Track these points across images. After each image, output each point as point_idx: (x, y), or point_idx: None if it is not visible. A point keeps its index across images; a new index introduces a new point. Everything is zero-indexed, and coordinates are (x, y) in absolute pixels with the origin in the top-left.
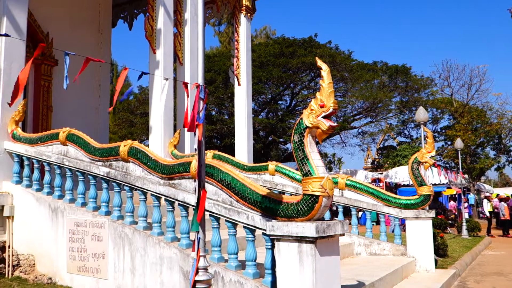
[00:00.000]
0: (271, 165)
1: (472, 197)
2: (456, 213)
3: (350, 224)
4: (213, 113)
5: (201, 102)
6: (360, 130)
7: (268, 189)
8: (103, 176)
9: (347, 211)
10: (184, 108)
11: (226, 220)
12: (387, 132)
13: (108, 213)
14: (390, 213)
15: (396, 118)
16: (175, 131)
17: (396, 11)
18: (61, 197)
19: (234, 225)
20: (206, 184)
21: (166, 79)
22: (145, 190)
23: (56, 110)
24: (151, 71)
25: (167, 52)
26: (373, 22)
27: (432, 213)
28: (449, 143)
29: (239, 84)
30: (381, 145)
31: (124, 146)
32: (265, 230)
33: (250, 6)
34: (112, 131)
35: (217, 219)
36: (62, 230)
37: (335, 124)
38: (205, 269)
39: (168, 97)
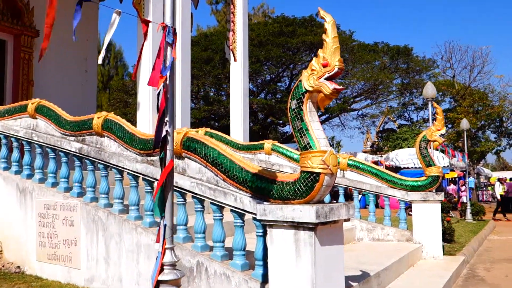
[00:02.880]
0: (267, 143)
1: (471, 180)
2: (455, 196)
3: None
4: (211, 94)
5: (169, 49)
6: (360, 113)
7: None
8: (75, 152)
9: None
10: (173, 82)
11: (211, 203)
12: (387, 115)
13: (80, 194)
14: (395, 195)
15: (396, 100)
16: None
17: None
18: (30, 176)
19: (220, 208)
20: (189, 161)
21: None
22: (120, 168)
23: (38, 85)
24: (139, 43)
25: (156, 21)
26: (375, 1)
27: (441, 196)
28: (449, 126)
29: (235, 60)
30: (381, 128)
31: (98, 118)
32: (256, 214)
33: None
34: (106, 111)
35: (201, 202)
36: (31, 213)
37: (340, 87)
38: (173, 265)
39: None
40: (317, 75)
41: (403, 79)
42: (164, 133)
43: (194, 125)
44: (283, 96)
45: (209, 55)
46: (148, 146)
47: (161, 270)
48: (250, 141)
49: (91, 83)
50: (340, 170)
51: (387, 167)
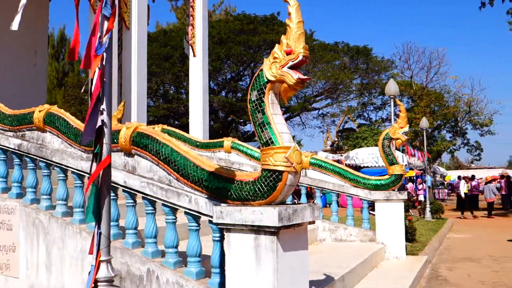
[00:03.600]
0: (227, 141)
1: (429, 179)
2: (414, 195)
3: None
4: (171, 92)
5: (105, 23)
6: (320, 112)
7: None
8: (14, 149)
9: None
10: (129, 77)
11: (163, 204)
12: (347, 114)
13: (20, 195)
14: (359, 195)
15: (356, 100)
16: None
17: None
18: None
19: (174, 210)
20: (139, 159)
21: None
22: (64, 167)
23: None
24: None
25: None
26: (335, 1)
27: (404, 195)
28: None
29: (194, 55)
30: (341, 127)
31: (39, 112)
32: (212, 217)
33: None
34: (60, 107)
35: (152, 203)
36: None
37: (306, 77)
38: (109, 281)
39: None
40: (280, 63)
41: (363, 79)
42: (99, 123)
43: (153, 123)
44: (244, 95)
45: (169, 52)
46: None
47: (95, 287)
48: (210, 139)
49: (41, 77)
50: (302, 169)
51: (347, 166)
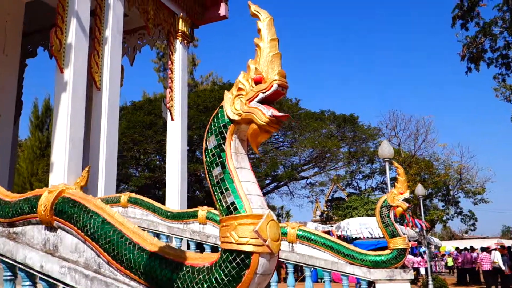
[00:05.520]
0: (202, 211)
1: (422, 250)
2: (410, 268)
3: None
4: (156, 162)
5: None
6: (308, 181)
7: (198, 242)
8: None
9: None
10: (98, 141)
11: None
12: (336, 183)
13: None
14: (355, 273)
15: (344, 169)
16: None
17: (342, 60)
18: None
19: None
20: (63, 234)
21: None
22: None
23: None
24: (57, 94)
25: (79, 72)
26: (321, 71)
27: (410, 274)
28: None
29: (172, 119)
30: (330, 197)
31: None
32: None
33: (187, 32)
34: (39, 178)
35: None
36: None
37: (282, 114)
38: None
39: (76, 126)
40: (246, 97)
41: (350, 147)
42: None
43: (136, 193)
44: None
45: (152, 120)
46: (11, 212)
47: None
48: (189, 209)
49: (3, 142)
50: (289, 242)
51: (338, 237)
